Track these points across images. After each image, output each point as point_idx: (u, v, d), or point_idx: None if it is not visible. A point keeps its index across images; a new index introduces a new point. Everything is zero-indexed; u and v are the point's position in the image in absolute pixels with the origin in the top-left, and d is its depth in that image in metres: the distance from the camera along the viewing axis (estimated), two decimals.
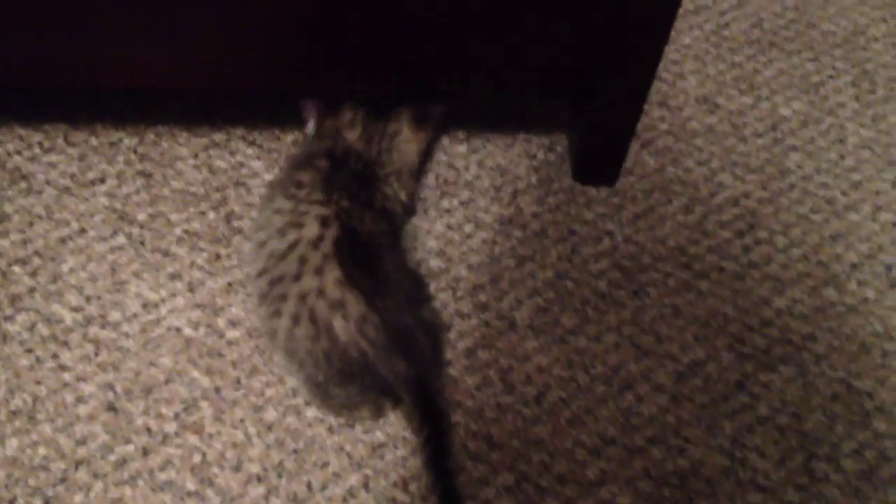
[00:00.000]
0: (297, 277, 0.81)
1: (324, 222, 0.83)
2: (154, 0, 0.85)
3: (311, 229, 0.82)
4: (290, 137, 1.08)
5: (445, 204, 1.04)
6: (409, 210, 0.99)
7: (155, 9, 0.86)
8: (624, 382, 0.91)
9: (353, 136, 0.93)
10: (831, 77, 1.18)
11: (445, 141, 1.09)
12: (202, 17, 0.87)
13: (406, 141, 0.96)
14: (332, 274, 0.80)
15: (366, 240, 0.84)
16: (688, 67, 1.18)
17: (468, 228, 1.02)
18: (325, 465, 0.85)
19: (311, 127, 0.97)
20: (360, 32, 0.89)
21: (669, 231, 1.03)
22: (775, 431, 0.89)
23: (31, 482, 0.83)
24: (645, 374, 0.92)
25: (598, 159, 1.05)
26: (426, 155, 1.04)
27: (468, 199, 1.04)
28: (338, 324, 0.79)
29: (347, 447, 0.86)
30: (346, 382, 0.82)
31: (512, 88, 0.96)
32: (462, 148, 1.08)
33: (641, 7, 0.86)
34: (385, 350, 0.80)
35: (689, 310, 0.97)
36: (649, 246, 1.01)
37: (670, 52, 1.18)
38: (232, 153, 1.06)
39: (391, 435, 0.87)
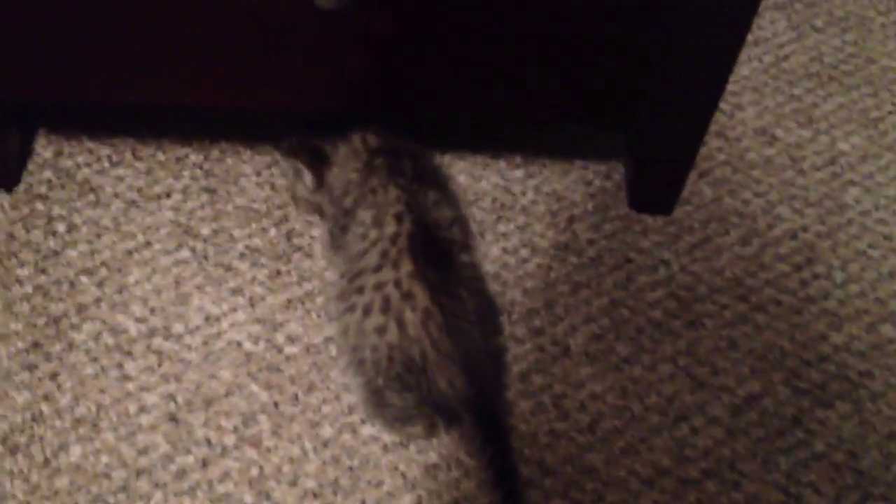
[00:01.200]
0: (378, 269, 0.83)
1: (399, 218, 0.85)
2: (214, 25, 0.88)
3: (390, 227, 0.85)
4: None
5: (501, 228, 1.05)
6: None
7: (216, 32, 0.88)
8: (679, 413, 0.91)
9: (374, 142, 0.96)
10: (890, 113, 1.18)
11: (502, 164, 1.10)
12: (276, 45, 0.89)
13: None
14: (406, 268, 0.82)
15: (435, 234, 0.86)
16: (746, 99, 1.18)
17: (524, 253, 1.03)
18: (379, 483, 0.86)
19: (308, 181, 0.97)
20: (427, 66, 0.91)
21: (726, 262, 1.03)
22: (831, 468, 0.88)
23: (93, 489, 0.84)
24: (700, 405, 0.92)
25: (655, 188, 1.05)
26: None
27: (524, 224, 1.05)
28: (408, 314, 0.81)
29: (402, 467, 0.87)
30: (404, 390, 0.83)
31: (573, 119, 0.97)
32: (519, 173, 1.09)
33: (706, 36, 0.87)
34: (446, 358, 0.81)
35: (745, 342, 0.96)
36: (706, 276, 1.01)
37: (729, 83, 1.18)
38: None
39: (445, 456, 0.88)
